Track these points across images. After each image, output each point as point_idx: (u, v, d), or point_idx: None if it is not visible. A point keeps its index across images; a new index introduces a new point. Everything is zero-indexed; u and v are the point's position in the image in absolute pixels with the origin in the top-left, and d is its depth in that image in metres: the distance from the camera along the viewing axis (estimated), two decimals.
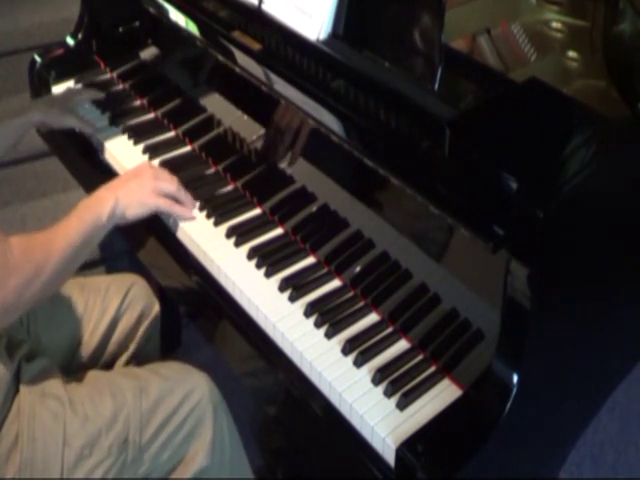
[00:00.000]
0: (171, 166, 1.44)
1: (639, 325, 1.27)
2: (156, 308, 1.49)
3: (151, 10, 1.58)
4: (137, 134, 1.56)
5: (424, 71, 1.15)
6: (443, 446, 0.97)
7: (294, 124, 1.28)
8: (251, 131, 1.38)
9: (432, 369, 1.08)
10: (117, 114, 1.63)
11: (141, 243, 1.49)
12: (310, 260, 1.26)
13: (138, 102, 1.68)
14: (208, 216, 1.34)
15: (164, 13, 1.55)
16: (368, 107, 1.19)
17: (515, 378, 0.95)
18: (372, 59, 1.22)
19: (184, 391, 1.25)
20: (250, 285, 1.22)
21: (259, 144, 1.36)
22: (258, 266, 1.24)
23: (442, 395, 1.04)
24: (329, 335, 1.13)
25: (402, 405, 1.02)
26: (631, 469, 1.81)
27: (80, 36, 1.81)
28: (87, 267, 2.09)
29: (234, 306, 1.23)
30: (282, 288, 1.20)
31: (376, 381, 1.06)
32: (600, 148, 1.04)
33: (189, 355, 1.63)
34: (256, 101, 1.35)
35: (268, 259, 1.24)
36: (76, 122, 1.57)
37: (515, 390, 0.95)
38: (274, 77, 1.30)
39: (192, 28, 1.48)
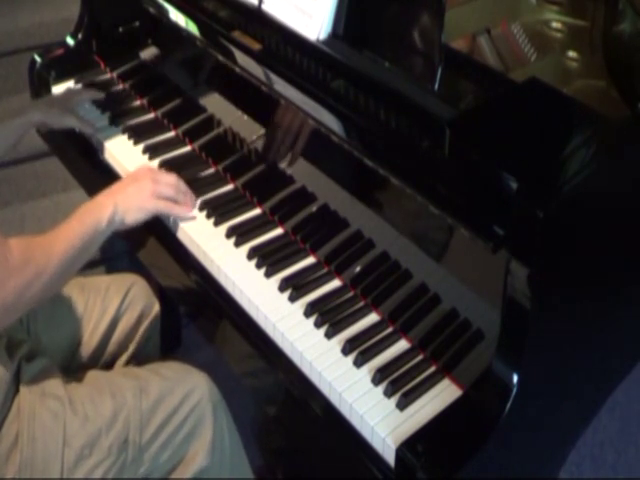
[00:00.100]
0: (171, 166, 1.44)
1: (639, 325, 1.27)
2: (156, 308, 1.49)
3: (151, 10, 1.58)
4: (137, 134, 1.56)
5: (424, 71, 1.15)
6: (443, 446, 0.97)
7: (294, 124, 1.28)
8: (251, 131, 1.38)
9: (432, 369, 1.08)
10: (117, 114, 1.63)
11: (141, 243, 1.49)
12: (310, 260, 1.26)
13: (138, 102, 1.68)
14: (208, 216, 1.34)
15: (164, 13, 1.55)
16: (368, 107, 1.19)
17: (515, 378, 0.95)
18: (372, 59, 1.22)
19: (184, 391, 1.25)
20: (250, 285, 1.22)
21: (259, 144, 1.36)
22: (258, 266, 1.24)
23: (442, 395, 1.04)
24: (329, 335, 1.13)
25: (402, 405, 1.02)
26: (631, 469, 1.81)
27: (80, 36, 1.81)
28: (87, 267, 2.07)
29: (234, 306, 1.23)
30: (282, 288, 1.20)
31: (376, 381, 1.06)
32: (600, 148, 1.04)
33: (189, 355, 1.63)
34: (256, 101, 1.35)
35: (268, 259, 1.24)
36: (76, 122, 1.57)
37: (515, 390, 0.95)
38: (274, 77, 1.30)
39: (192, 28, 1.48)
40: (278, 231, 1.32)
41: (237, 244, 1.29)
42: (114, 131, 1.59)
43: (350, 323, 1.15)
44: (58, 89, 1.75)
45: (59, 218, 1.20)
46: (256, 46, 1.34)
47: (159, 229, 1.38)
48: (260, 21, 1.38)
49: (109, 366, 1.45)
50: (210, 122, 1.49)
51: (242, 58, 1.36)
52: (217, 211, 1.34)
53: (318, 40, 1.28)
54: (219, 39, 1.41)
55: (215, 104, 1.48)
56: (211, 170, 1.47)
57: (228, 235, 1.30)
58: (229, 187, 1.42)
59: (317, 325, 1.14)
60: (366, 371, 1.08)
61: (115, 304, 1.45)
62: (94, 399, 1.21)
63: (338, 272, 1.22)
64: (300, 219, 1.30)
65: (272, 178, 1.34)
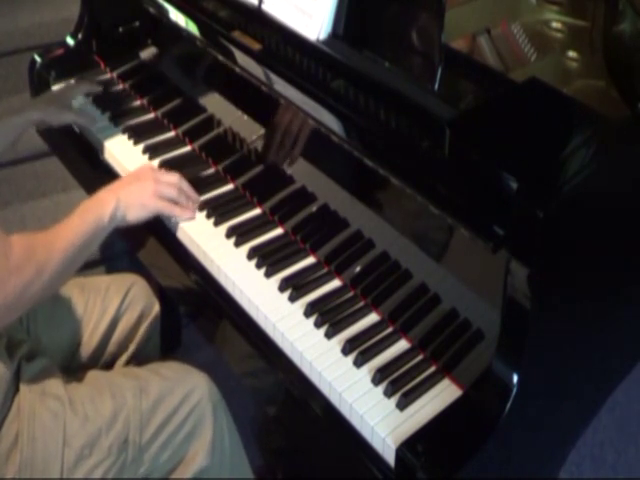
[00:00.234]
0: (171, 166, 1.44)
1: (639, 325, 1.27)
2: (156, 308, 1.49)
3: (151, 10, 1.58)
4: (137, 134, 1.56)
5: (424, 71, 1.15)
6: (443, 446, 0.97)
7: (294, 124, 1.28)
8: (251, 131, 1.38)
9: (432, 369, 1.08)
10: (117, 114, 1.63)
11: (141, 243, 1.49)
12: (310, 260, 1.26)
13: (138, 102, 1.68)
14: (208, 216, 1.34)
15: (164, 13, 1.55)
16: (368, 107, 1.19)
17: (515, 378, 0.95)
18: (372, 59, 1.22)
19: (184, 391, 1.25)
20: (250, 285, 1.22)
21: (259, 144, 1.36)
22: (258, 266, 1.24)
23: (442, 395, 1.04)
24: (329, 335, 1.13)
25: (402, 405, 1.02)
26: (631, 469, 1.81)
27: (80, 36, 1.81)
28: (87, 267, 2.08)
29: (234, 306, 1.23)
30: (282, 288, 1.20)
31: (376, 381, 1.05)
32: (600, 148, 1.04)
33: (189, 355, 1.63)
34: (256, 101, 1.35)
35: (268, 259, 1.24)
36: (74, 117, 1.58)
37: (515, 390, 0.95)
38: (274, 77, 1.30)
39: (192, 28, 1.48)
40: (278, 231, 1.32)
41: (237, 244, 1.29)
42: (114, 131, 1.59)
43: (350, 323, 1.15)
44: None
45: (59, 218, 1.19)
46: (256, 46, 1.34)
47: (159, 229, 1.38)
48: (260, 21, 1.38)
49: (109, 366, 1.45)
50: (210, 122, 1.49)
51: (242, 58, 1.36)
52: (217, 211, 1.34)
53: (318, 40, 1.28)
54: (219, 39, 1.41)
55: (215, 104, 1.48)
56: (211, 170, 1.47)
57: (228, 235, 1.30)
58: (229, 187, 1.42)
59: (317, 325, 1.14)
60: (366, 371, 1.08)
61: (115, 304, 1.45)
62: (94, 399, 1.21)
63: (338, 272, 1.22)
64: (300, 219, 1.30)
65: (272, 178, 1.34)
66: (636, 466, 1.82)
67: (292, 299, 1.18)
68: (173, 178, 1.33)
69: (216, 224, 1.33)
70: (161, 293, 1.51)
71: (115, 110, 1.64)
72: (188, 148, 1.54)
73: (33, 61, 1.81)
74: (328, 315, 1.15)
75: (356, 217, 1.21)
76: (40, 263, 1.11)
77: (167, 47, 1.64)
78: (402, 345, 1.12)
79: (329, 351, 1.11)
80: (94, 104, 1.67)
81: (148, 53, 1.68)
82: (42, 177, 2.35)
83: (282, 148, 1.32)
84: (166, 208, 1.31)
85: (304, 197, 1.28)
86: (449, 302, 1.10)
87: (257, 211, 1.36)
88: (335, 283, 1.22)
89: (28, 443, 1.14)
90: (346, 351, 1.10)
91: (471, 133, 1.04)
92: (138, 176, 1.31)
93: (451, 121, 1.04)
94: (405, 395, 1.03)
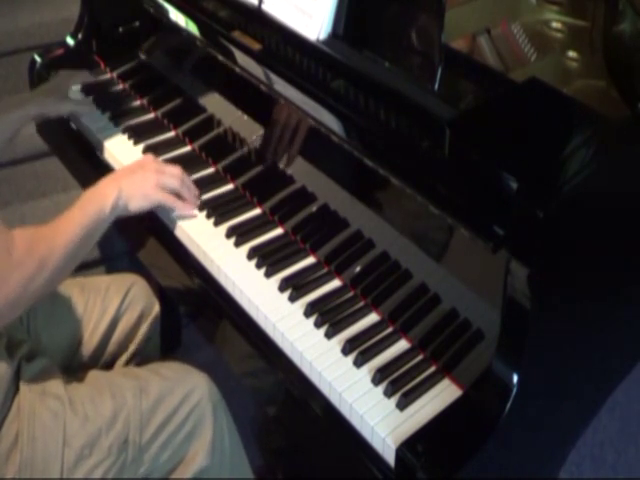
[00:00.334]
0: None
1: (639, 325, 1.27)
2: (156, 308, 1.49)
3: (151, 10, 1.58)
4: (137, 134, 1.56)
5: (424, 71, 1.15)
6: (443, 446, 0.97)
7: (294, 124, 1.28)
8: (251, 131, 1.38)
9: (432, 369, 1.08)
10: (117, 114, 1.63)
11: (141, 243, 1.49)
12: (310, 260, 1.26)
13: (138, 102, 1.68)
14: (208, 216, 1.34)
15: (164, 13, 1.55)
16: (368, 107, 1.19)
17: (515, 378, 0.95)
18: (372, 59, 1.22)
19: (184, 391, 1.25)
20: (250, 285, 1.22)
21: (259, 144, 1.36)
22: (258, 266, 1.24)
23: (442, 395, 1.04)
24: (329, 335, 1.13)
25: (402, 405, 1.02)
26: (631, 469, 1.81)
27: (80, 36, 1.81)
28: (87, 267, 2.09)
29: (234, 306, 1.23)
30: (282, 288, 1.20)
31: (376, 381, 1.05)
32: (600, 148, 1.04)
33: (189, 355, 1.63)
34: (256, 101, 1.35)
35: (268, 259, 1.24)
36: (73, 106, 1.59)
37: (515, 390, 0.95)
38: (274, 77, 1.30)
39: (192, 28, 1.48)
40: (278, 231, 1.32)
41: (237, 244, 1.29)
42: (114, 131, 1.59)
43: (350, 323, 1.15)
44: None
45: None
46: (256, 46, 1.34)
47: (159, 229, 1.38)
48: (260, 21, 1.38)
49: (109, 366, 1.45)
50: (210, 122, 1.49)
51: (242, 58, 1.36)
52: (217, 211, 1.34)
53: (318, 40, 1.28)
54: (219, 39, 1.41)
55: (215, 104, 1.48)
56: (211, 170, 1.47)
57: (228, 235, 1.30)
58: (229, 187, 1.42)
59: (317, 325, 1.14)
60: (366, 371, 1.08)
61: (115, 304, 1.45)
62: (94, 399, 1.21)
63: (338, 272, 1.22)
64: (300, 219, 1.30)
65: (272, 178, 1.34)
66: (636, 466, 1.82)
67: (292, 299, 1.18)
68: (176, 170, 1.33)
69: (216, 224, 1.33)
70: (161, 293, 1.51)
71: (115, 110, 1.64)
72: (188, 148, 1.54)
73: (33, 61, 1.81)
74: (328, 315, 1.15)
75: (356, 217, 1.21)
76: (42, 257, 1.11)
77: (167, 47, 1.64)
78: (402, 345, 1.12)
79: (329, 351, 1.11)
80: (94, 104, 1.67)
81: (148, 53, 1.68)
82: (42, 177, 2.35)
83: (282, 148, 1.32)
84: (168, 200, 1.30)
85: (304, 197, 1.28)
86: (449, 302, 1.10)
87: (257, 211, 1.36)
88: (335, 283, 1.22)
89: (28, 443, 1.14)
90: (346, 351, 1.10)
91: (471, 133, 1.04)
92: (140, 166, 1.31)
93: (451, 121, 1.04)
94: (405, 395, 1.03)
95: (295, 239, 1.29)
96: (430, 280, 1.12)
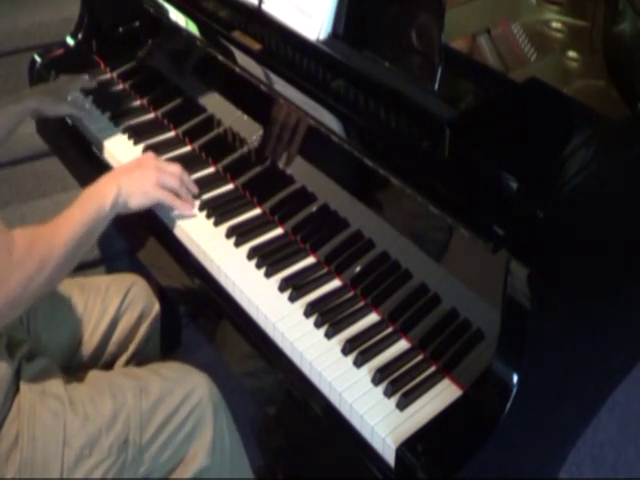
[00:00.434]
0: None
1: (639, 325, 1.27)
2: (156, 308, 1.49)
3: (151, 10, 1.58)
4: (137, 134, 1.56)
5: (424, 71, 1.15)
6: (443, 446, 0.97)
7: (294, 124, 1.28)
8: (251, 131, 1.38)
9: (432, 369, 1.08)
10: (117, 114, 1.63)
11: (141, 243, 1.49)
12: (310, 260, 1.26)
13: (138, 102, 1.68)
14: (208, 216, 1.34)
15: (164, 13, 1.55)
16: (368, 107, 1.19)
17: (515, 378, 0.95)
18: (372, 59, 1.22)
19: (184, 391, 1.25)
20: (250, 285, 1.22)
21: (259, 144, 1.36)
22: (258, 266, 1.24)
23: (442, 395, 1.04)
24: (329, 335, 1.13)
25: (402, 405, 1.02)
26: (631, 469, 1.81)
27: (80, 36, 1.82)
28: (87, 267, 2.09)
29: (234, 306, 1.23)
30: (282, 288, 1.20)
31: (376, 381, 1.05)
32: (600, 148, 1.04)
33: (189, 355, 1.63)
34: (256, 101, 1.35)
35: (268, 259, 1.24)
36: (70, 109, 1.59)
37: (515, 390, 0.95)
38: (274, 77, 1.30)
39: (192, 28, 1.48)
40: (278, 231, 1.32)
41: (237, 244, 1.29)
42: (114, 131, 1.59)
43: (350, 323, 1.15)
44: None
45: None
46: (256, 46, 1.34)
47: (159, 229, 1.38)
48: (260, 21, 1.38)
49: (109, 366, 1.45)
50: (210, 122, 1.49)
51: (242, 58, 1.36)
52: (217, 211, 1.34)
53: (318, 40, 1.28)
54: (219, 39, 1.41)
55: (215, 104, 1.48)
56: (211, 170, 1.47)
57: (228, 235, 1.30)
58: (229, 187, 1.42)
59: (317, 325, 1.14)
60: (366, 371, 1.08)
61: (115, 304, 1.45)
62: (94, 399, 1.21)
63: (338, 272, 1.22)
64: (300, 219, 1.30)
65: (272, 178, 1.34)
66: (636, 466, 1.82)
67: (292, 299, 1.18)
68: (175, 169, 1.34)
69: (216, 224, 1.33)
70: (161, 293, 1.51)
71: (115, 110, 1.64)
72: (188, 148, 1.54)
73: (33, 61, 1.81)
74: (328, 315, 1.15)
75: (356, 217, 1.21)
76: (42, 257, 1.11)
77: (167, 47, 1.64)
78: (402, 345, 1.12)
79: (329, 351, 1.11)
80: (94, 104, 1.67)
81: (148, 53, 1.68)
82: (42, 177, 2.35)
83: (282, 148, 1.32)
84: (168, 198, 1.31)
85: (304, 197, 1.28)
86: (449, 302, 1.10)
87: (257, 211, 1.36)
88: (335, 283, 1.22)
89: (28, 443, 1.14)
90: (346, 351, 1.10)
91: (471, 133, 1.04)
92: (140, 163, 1.32)
93: (451, 121, 1.04)
94: (405, 395, 1.03)
95: (295, 239, 1.29)
96: (430, 280, 1.12)
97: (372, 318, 1.16)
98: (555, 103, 1.10)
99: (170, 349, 1.59)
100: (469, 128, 1.05)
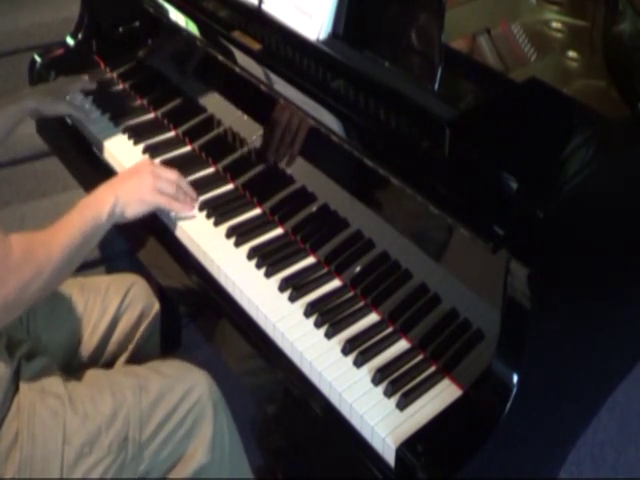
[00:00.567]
0: (171, 166, 1.44)
1: (639, 325, 1.27)
2: (156, 308, 1.49)
3: (151, 10, 1.58)
4: (137, 134, 1.56)
5: (424, 71, 1.15)
6: (443, 446, 0.97)
7: (294, 124, 1.28)
8: (251, 131, 1.38)
9: (432, 369, 1.08)
10: (117, 114, 1.63)
11: (141, 243, 1.49)
12: (310, 260, 1.26)
13: (138, 102, 1.68)
14: (208, 216, 1.34)
15: (164, 13, 1.55)
16: (368, 107, 1.19)
17: (515, 378, 0.95)
18: (372, 59, 1.22)
19: (184, 388, 1.25)
20: (250, 285, 1.22)
21: (259, 144, 1.36)
22: (258, 266, 1.24)
23: (442, 395, 1.04)
24: (329, 335, 1.13)
25: (402, 405, 1.02)
26: (631, 469, 1.81)
27: (80, 36, 1.82)
28: (87, 267, 2.09)
29: (234, 306, 1.23)
30: (282, 288, 1.20)
31: (376, 381, 1.05)
32: (600, 148, 1.04)
33: (189, 355, 1.62)
34: (256, 101, 1.35)
35: (268, 259, 1.24)
36: (69, 109, 1.59)
37: (515, 390, 0.95)
38: (274, 77, 1.30)
39: (192, 28, 1.48)
40: (278, 231, 1.32)
41: (237, 244, 1.29)
42: (114, 131, 1.59)
43: (350, 323, 1.15)
44: None
45: (59, 218, 1.19)
46: (256, 46, 1.34)
47: (159, 229, 1.38)
48: (260, 21, 1.38)
49: (109, 366, 1.45)
50: (210, 122, 1.49)
51: (242, 58, 1.36)
52: (217, 211, 1.34)
53: (318, 40, 1.28)
54: (219, 39, 1.41)
55: (215, 104, 1.48)
56: (211, 170, 1.47)
57: (228, 235, 1.30)
58: (229, 187, 1.42)
59: (317, 325, 1.14)
60: (366, 371, 1.08)
61: (115, 304, 1.45)
62: (94, 397, 1.21)
63: (338, 272, 1.22)
64: (300, 219, 1.30)
65: (272, 178, 1.34)
66: (636, 466, 1.82)
67: (292, 299, 1.18)
68: (172, 175, 1.33)
69: (216, 224, 1.33)
70: (161, 293, 1.51)
71: (115, 110, 1.64)
72: (188, 148, 1.54)
73: (33, 61, 1.81)
74: (328, 315, 1.15)
75: (356, 217, 1.21)
76: (40, 262, 1.11)
77: (167, 47, 1.64)
78: (402, 345, 1.12)
79: (329, 351, 1.11)
80: (94, 104, 1.67)
81: (148, 53, 1.68)
82: (42, 177, 2.35)
83: (282, 148, 1.32)
84: (165, 202, 1.31)
85: (304, 197, 1.28)
86: (449, 302, 1.10)
87: (257, 211, 1.36)
88: (335, 283, 1.22)
89: (28, 441, 1.14)
90: (346, 351, 1.10)
91: (471, 133, 1.04)
92: (136, 170, 1.32)
93: (451, 121, 1.04)
94: (405, 395, 1.03)
95: (295, 239, 1.29)
96: (430, 280, 1.12)
97: (372, 318, 1.16)
98: (555, 103, 1.10)
99: (170, 349, 1.59)
100: (469, 128, 1.05)
